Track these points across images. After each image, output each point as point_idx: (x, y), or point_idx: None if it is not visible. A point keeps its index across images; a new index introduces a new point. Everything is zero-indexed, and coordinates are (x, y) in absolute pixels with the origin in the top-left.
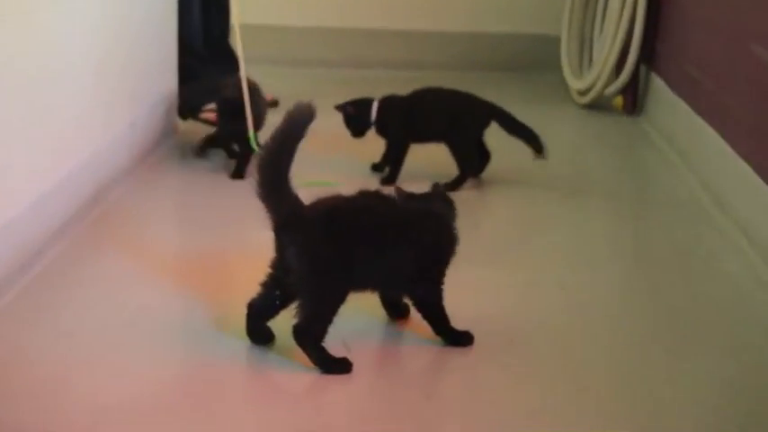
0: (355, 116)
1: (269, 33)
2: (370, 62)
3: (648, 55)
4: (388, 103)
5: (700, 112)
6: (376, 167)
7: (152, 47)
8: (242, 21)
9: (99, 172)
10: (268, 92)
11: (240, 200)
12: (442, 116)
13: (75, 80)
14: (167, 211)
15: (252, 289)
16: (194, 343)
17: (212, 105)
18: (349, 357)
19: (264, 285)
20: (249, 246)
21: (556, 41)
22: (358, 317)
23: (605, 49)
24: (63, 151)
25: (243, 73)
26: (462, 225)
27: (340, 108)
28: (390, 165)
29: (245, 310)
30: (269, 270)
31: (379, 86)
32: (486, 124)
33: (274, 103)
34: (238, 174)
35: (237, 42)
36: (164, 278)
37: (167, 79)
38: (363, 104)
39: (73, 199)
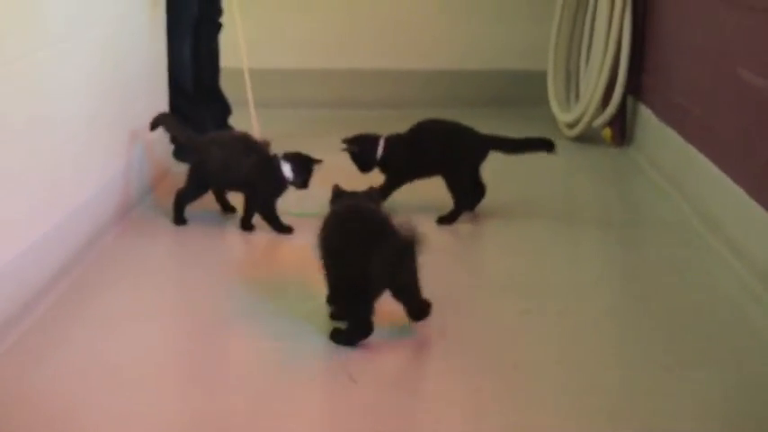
0: (361, 154)
1: (258, 76)
2: (360, 102)
3: (635, 86)
4: (394, 141)
5: (688, 138)
6: None
7: (144, 91)
8: (230, 65)
9: (95, 215)
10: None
11: (235, 237)
12: (439, 148)
13: (69, 126)
14: (164, 251)
15: (258, 322)
16: (199, 382)
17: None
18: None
19: None
20: (246, 279)
21: (542, 76)
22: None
23: (592, 81)
24: (59, 195)
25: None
26: (460, 256)
27: (346, 147)
28: (382, 193)
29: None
30: None
31: (368, 125)
32: (482, 156)
33: (266, 144)
34: (249, 225)
35: (247, 87)
36: (164, 317)
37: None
38: (369, 142)
39: (71, 241)
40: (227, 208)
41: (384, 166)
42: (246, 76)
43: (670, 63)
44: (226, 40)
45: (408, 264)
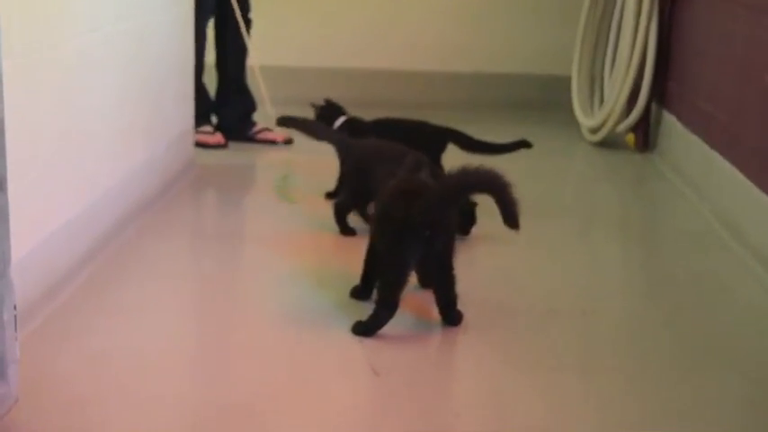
0: (319, 118)
1: (277, 74)
2: (381, 103)
3: (659, 92)
4: (354, 120)
5: (713, 144)
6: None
7: (172, 84)
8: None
9: (120, 204)
10: (282, 132)
11: (254, 231)
12: (399, 136)
13: (101, 115)
14: (187, 242)
15: (281, 312)
16: (221, 370)
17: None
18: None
19: None
20: (265, 270)
21: (567, 81)
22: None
23: (617, 86)
24: (86, 183)
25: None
26: (483, 254)
27: (312, 105)
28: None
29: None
30: None
31: None
32: (441, 147)
33: (289, 141)
34: None
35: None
36: (186, 306)
37: (184, 117)
38: (333, 111)
39: (95, 229)
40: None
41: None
42: (256, 69)
43: (695, 70)
44: None
45: (446, 223)
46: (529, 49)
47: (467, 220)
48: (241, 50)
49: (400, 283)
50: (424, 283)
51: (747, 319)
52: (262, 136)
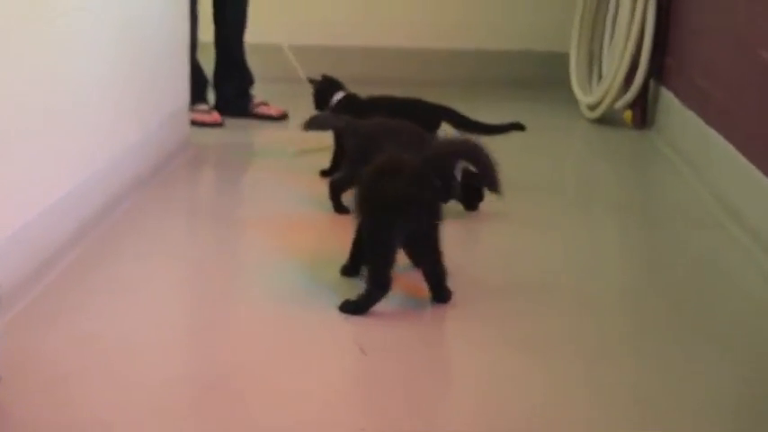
0: (317, 93)
1: (275, 52)
2: (380, 80)
3: (658, 69)
4: (352, 96)
5: (709, 122)
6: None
7: (166, 62)
8: (253, 40)
9: (111, 182)
10: (277, 103)
11: (249, 210)
12: (392, 113)
13: (90, 91)
14: (178, 220)
15: (271, 292)
16: (208, 346)
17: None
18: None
19: None
20: (257, 250)
21: (565, 58)
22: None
23: (614, 63)
24: (76, 160)
25: None
26: (476, 231)
27: (310, 80)
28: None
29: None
30: None
31: None
32: (436, 124)
33: (284, 116)
34: None
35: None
36: (175, 286)
37: (179, 95)
38: (331, 86)
39: (86, 207)
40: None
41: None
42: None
43: (692, 45)
44: None
45: (429, 199)
46: (528, 26)
47: (474, 194)
48: (240, 26)
49: (388, 262)
50: (415, 261)
51: (739, 298)
52: (259, 110)
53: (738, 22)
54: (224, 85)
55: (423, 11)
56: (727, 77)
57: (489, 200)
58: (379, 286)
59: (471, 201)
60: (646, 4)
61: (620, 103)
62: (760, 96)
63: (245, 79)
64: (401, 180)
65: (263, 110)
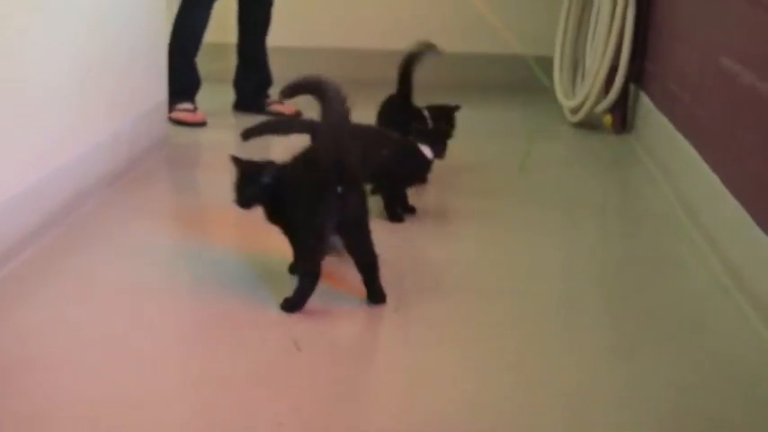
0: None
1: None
2: (368, 82)
3: (637, 74)
4: None
5: (678, 126)
6: None
7: (140, 60)
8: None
9: (77, 179)
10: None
11: (211, 209)
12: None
13: (57, 85)
14: (140, 218)
15: (216, 288)
16: (146, 343)
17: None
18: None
19: None
20: (214, 249)
21: (550, 62)
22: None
23: (594, 67)
24: (39, 155)
25: None
26: (431, 233)
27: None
28: None
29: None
30: None
31: (371, 104)
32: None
33: (298, 115)
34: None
35: None
36: (127, 280)
37: (156, 91)
38: None
39: (47, 204)
40: None
41: None
42: None
43: (667, 50)
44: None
45: (356, 176)
46: (513, 30)
47: (439, 139)
48: (263, 28)
49: (319, 249)
50: (348, 249)
51: (689, 305)
52: (273, 108)
53: (703, 27)
54: (244, 83)
55: (407, 13)
56: (692, 83)
57: (446, 201)
58: (308, 275)
59: (439, 148)
60: (625, 7)
61: (600, 107)
62: (718, 101)
63: (264, 79)
64: (322, 152)
65: (276, 107)
